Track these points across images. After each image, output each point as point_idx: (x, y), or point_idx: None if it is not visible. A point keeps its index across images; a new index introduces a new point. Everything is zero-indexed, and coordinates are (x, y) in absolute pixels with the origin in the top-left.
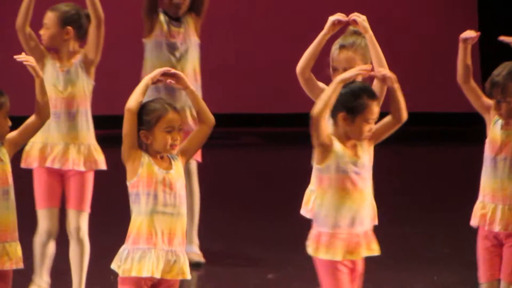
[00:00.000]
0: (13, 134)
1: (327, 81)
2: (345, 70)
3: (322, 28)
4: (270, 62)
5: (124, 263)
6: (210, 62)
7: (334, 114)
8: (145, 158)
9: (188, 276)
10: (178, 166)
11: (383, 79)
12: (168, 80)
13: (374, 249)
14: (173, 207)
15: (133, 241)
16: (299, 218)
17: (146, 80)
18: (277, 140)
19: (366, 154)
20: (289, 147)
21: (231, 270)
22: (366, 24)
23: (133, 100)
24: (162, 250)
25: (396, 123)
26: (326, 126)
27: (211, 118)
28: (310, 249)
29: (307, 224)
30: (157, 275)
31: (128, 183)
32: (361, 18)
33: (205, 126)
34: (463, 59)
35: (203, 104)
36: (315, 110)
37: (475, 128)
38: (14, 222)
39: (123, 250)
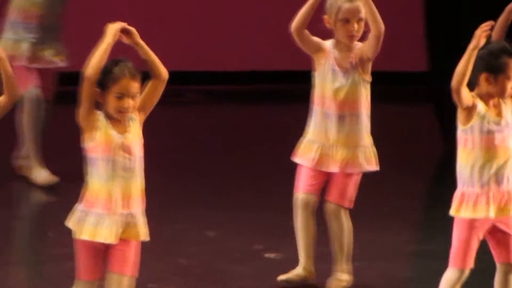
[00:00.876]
0: None
1: (321, 35)
2: (360, 20)
3: None
4: (216, 17)
5: (80, 225)
6: (153, 16)
7: (475, 76)
8: (102, 121)
9: (146, 237)
10: (135, 127)
11: None
12: (125, 36)
13: None
14: (131, 171)
15: (90, 203)
16: (239, 174)
17: (107, 41)
18: (220, 98)
19: (510, 112)
20: (233, 104)
21: (170, 227)
22: None
23: (93, 68)
24: (120, 214)
25: None
26: (467, 92)
27: (164, 72)
28: (452, 209)
29: (247, 183)
30: (111, 241)
31: (84, 146)
32: None
33: (158, 80)
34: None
35: (155, 58)
36: (454, 82)
37: None
38: None
39: (80, 212)
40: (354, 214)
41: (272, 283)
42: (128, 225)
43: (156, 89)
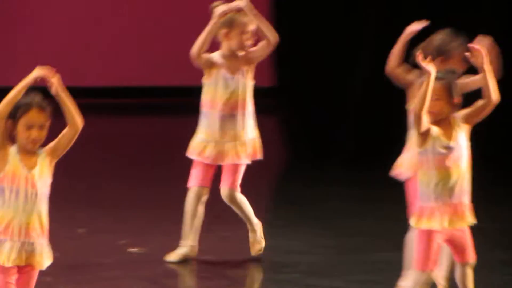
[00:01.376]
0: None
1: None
2: (251, 32)
3: None
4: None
5: None
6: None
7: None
8: (12, 155)
9: (43, 267)
10: (42, 164)
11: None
12: (48, 84)
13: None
14: (33, 204)
15: None
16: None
17: (26, 82)
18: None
19: (463, 134)
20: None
21: None
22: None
23: (4, 105)
24: (18, 241)
25: (487, 105)
26: (426, 118)
27: (78, 122)
28: (413, 221)
29: (117, 184)
30: (7, 264)
31: None
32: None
33: (72, 130)
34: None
35: (72, 108)
36: (417, 108)
37: None
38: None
39: None
40: None
41: (134, 273)
42: (28, 252)
43: (69, 137)
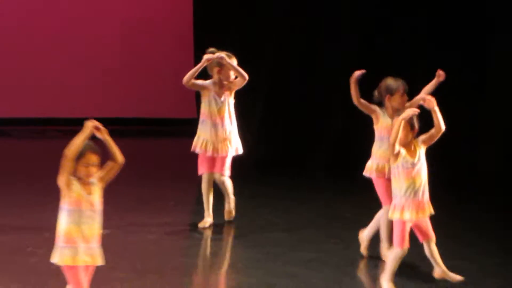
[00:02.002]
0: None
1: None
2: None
3: None
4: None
5: (60, 256)
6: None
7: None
8: (76, 185)
9: (100, 263)
10: (96, 189)
11: (425, 102)
12: (98, 132)
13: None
14: (92, 218)
15: (63, 240)
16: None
17: (84, 135)
18: None
19: (422, 151)
20: None
21: None
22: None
23: (72, 152)
24: (83, 247)
25: (437, 133)
26: (399, 147)
27: (120, 158)
28: (391, 213)
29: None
30: (84, 263)
31: (62, 200)
32: (222, 55)
33: (115, 163)
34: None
35: (115, 148)
36: (392, 138)
37: None
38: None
39: (60, 247)
40: None
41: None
42: (90, 255)
43: (115, 170)
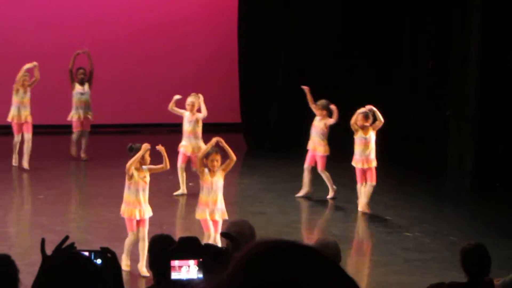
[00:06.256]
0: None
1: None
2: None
3: None
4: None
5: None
6: None
7: None
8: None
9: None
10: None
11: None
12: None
13: None
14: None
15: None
16: None
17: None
18: None
19: (372, 133)
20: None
21: None
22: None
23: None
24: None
25: (379, 123)
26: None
27: (234, 157)
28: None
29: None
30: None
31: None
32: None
33: (231, 161)
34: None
35: (230, 151)
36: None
37: None
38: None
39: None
40: None
41: None
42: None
43: (229, 164)
